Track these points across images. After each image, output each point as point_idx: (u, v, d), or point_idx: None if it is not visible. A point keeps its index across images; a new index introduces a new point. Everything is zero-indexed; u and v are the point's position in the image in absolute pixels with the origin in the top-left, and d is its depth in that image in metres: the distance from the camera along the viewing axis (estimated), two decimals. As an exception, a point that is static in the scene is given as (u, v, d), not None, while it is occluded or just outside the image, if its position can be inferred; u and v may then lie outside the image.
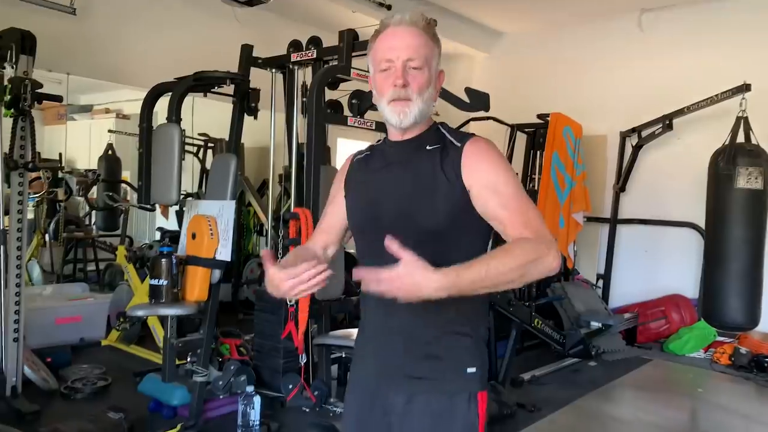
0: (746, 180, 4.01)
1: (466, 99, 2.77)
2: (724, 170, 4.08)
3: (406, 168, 1.38)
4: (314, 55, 3.45)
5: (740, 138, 4.27)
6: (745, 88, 4.38)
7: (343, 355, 3.39)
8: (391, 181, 1.40)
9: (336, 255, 1.60)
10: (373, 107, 3.27)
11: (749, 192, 4.06)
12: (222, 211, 3.22)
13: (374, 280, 1.11)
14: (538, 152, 5.98)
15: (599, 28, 6.32)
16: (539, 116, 5.52)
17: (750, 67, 5.19)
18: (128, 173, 6.66)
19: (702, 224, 5.60)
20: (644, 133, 5.68)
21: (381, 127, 3.31)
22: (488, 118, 5.79)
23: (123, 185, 6.38)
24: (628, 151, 5.91)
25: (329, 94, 3.28)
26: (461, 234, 1.34)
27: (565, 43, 6.61)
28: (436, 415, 1.34)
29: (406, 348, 1.38)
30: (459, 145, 1.35)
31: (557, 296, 4.53)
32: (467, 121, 5.96)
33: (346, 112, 3.24)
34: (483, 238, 1.38)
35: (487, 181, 1.30)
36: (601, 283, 6.07)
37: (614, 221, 6.03)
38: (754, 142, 4.24)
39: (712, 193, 4.26)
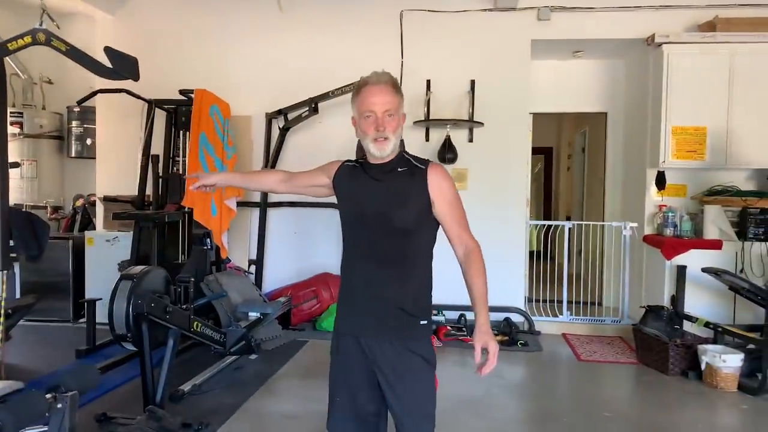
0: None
1: (108, 63, 2.09)
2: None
3: (384, 183, 1.95)
4: None
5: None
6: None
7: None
8: (374, 191, 1.95)
9: (279, 188, 2.27)
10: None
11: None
12: None
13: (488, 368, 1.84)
14: (181, 132, 5.41)
15: (238, 1, 6.01)
16: (182, 92, 4.94)
17: (379, 56, 5.61)
18: None
19: (344, 204, 5.93)
20: (291, 116, 5.64)
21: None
22: (121, 90, 4.96)
23: None
24: (275, 132, 5.82)
25: None
26: (421, 230, 1.94)
27: (203, 13, 6.10)
28: (407, 351, 1.92)
29: (384, 308, 1.93)
30: (423, 167, 1.95)
31: (218, 294, 4.11)
32: (94, 93, 4.99)
33: None
34: (434, 231, 1.99)
35: (444, 196, 1.93)
36: (253, 269, 5.88)
37: (265, 205, 5.89)
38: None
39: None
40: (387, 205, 1.92)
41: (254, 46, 6.02)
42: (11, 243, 2.35)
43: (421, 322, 1.95)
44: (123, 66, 2.08)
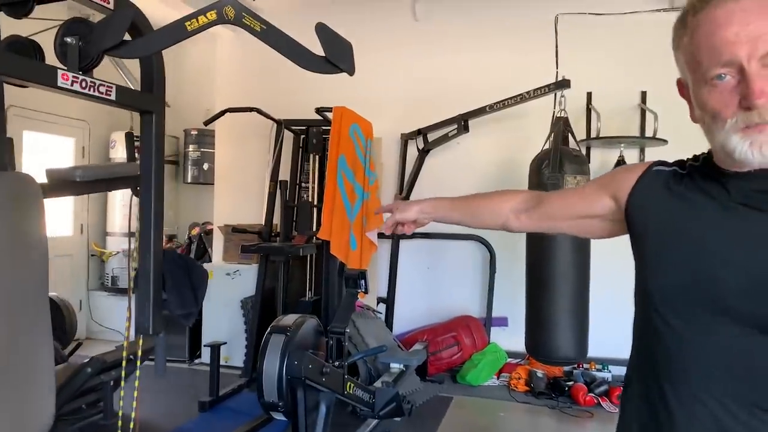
0: (575, 190, 3.47)
1: (316, 50, 1.47)
2: (551, 179, 3.48)
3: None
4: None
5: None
6: (565, 84, 3.88)
7: None
8: (745, 235, 0.93)
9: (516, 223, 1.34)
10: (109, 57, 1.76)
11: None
12: None
13: None
14: (311, 155, 4.86)
15: (370, 10, 5.46)
16: (318, 110, 4.37)
17: (530, 67, 4.86)
18: None
19: (486, 237, 5.17)
20: (432, 136, 4.96)
21: (126, 95, 1.79)
22: (251, 109, 4.47)
23: None
24: (409, 155, 5.18)
25: (11, 25, 1.64)
26: None
27: (333, 24, 5.59)
28: None
29: None
30: None
31: (378, 348, 3.43)
32: (223, 112, 4.52)
33: (52, 60, 1.64)
34: None
35: None
36: (382, 307, 5.21)
37: (397, 236, 5.22)
38: (572, 145, 3.75)
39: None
40: None
41: (385, 60, 5.42)
42: (164, 296, 1.77)
43: None
44: (337, 54, 1.47)
